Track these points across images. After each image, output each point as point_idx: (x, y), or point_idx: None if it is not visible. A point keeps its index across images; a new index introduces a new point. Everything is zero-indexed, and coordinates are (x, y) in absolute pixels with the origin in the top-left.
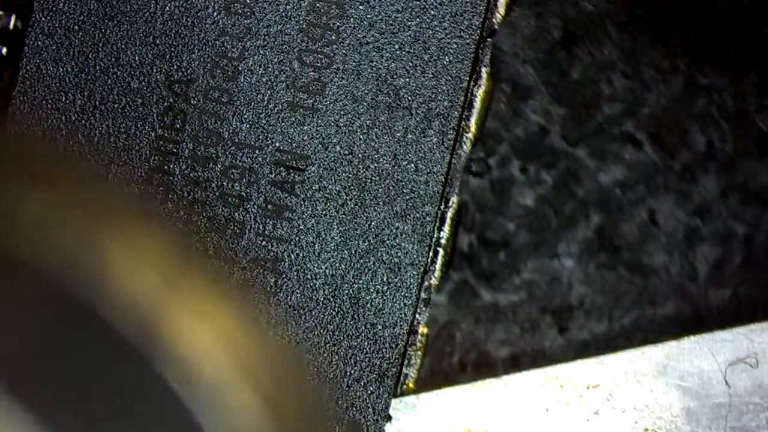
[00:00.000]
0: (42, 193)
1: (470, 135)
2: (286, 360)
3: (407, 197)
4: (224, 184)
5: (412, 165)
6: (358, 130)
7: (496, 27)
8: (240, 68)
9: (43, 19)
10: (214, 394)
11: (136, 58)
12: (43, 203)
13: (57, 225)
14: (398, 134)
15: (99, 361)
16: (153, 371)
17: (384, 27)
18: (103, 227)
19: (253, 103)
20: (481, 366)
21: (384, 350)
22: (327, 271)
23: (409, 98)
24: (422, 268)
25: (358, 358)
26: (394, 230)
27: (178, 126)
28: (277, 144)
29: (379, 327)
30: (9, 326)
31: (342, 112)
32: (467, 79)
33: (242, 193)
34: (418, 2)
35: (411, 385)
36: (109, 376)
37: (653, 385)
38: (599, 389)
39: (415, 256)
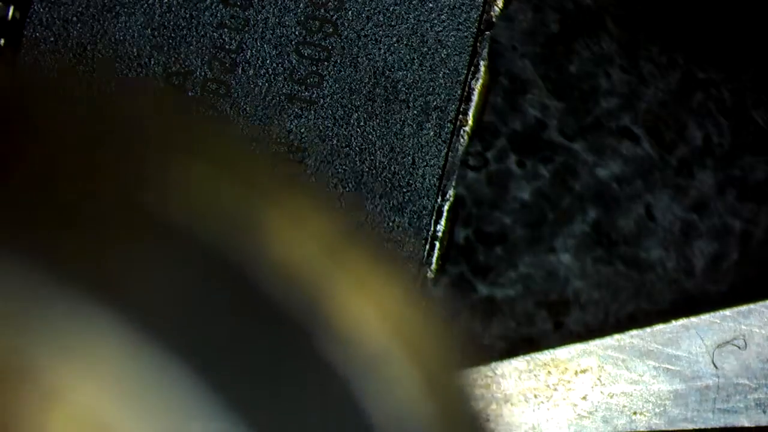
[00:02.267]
0: (196, 160)
1: (467, 128)
2: (445, 336)
3: (404, 190)
4: None
5: (409, 158)
6: (355, 123)
7: (494, 20)
8: (238, 60)
9: (41, 10)
10: (375, 371)
11: (134, 50)
12: (198, 171)
13: (212, 193)
14: (395, 127)
15: (260, 336)
16: (314, 348)
17: (381, 19)
18: (260, 196)
19: (250, 96)
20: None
21: None
22: None
23: (407, 91)
24: (418, 262)
25: None
26: (391, 224)
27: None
28: (274, 136)
29: None
30: (172, 297)
31: (339, 105)
32: (465, 72)
33: None
34: None
35: None
36: (270, 352)
37: (641, 369)
38: (587, 374)
39: (411, 250)
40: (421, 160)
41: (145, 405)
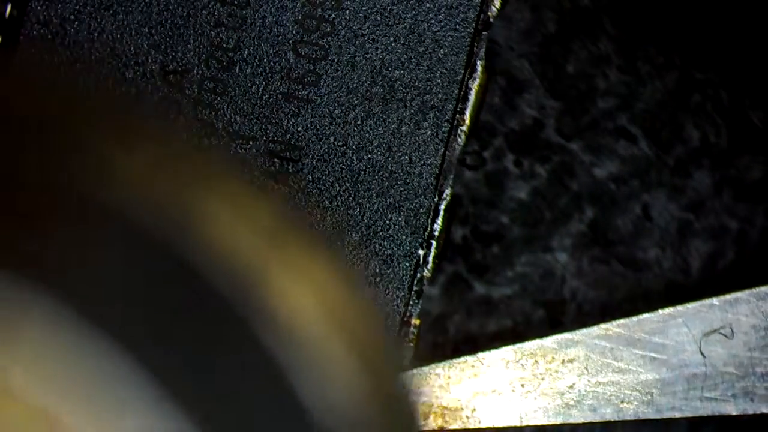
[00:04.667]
0: (137, 144)
1: (464, 128)
2: (377, 315)
3: (401, 189)
4: None
5: (406, 157)
6: (352, 122)
7: (491, 20)
8: (235, 59)
9: (38, 8)
10: (313, 359)
11: (132, 48)
12: (139, 155)
13: (152, 179)
14: (392, 126)
15: (197, 323)
16: (252, 335)
17: (379, 19)
18: (201, 182)
19: (247, 94)
20: None
21: None
22: None
23: (404, 90)
24: (415, 261)
25: None
26: (388, 222)
27: (171, 117)
28: (271, 135)
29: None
30: (111, 282)
31: (336, 104)
32: (462, 71)
33: None
34: None
35: None
36: (207, 339)
37: (628, 358)
38: (574, 363)
39: (408, 248)
40: (418, 159)
41: (86, 397)
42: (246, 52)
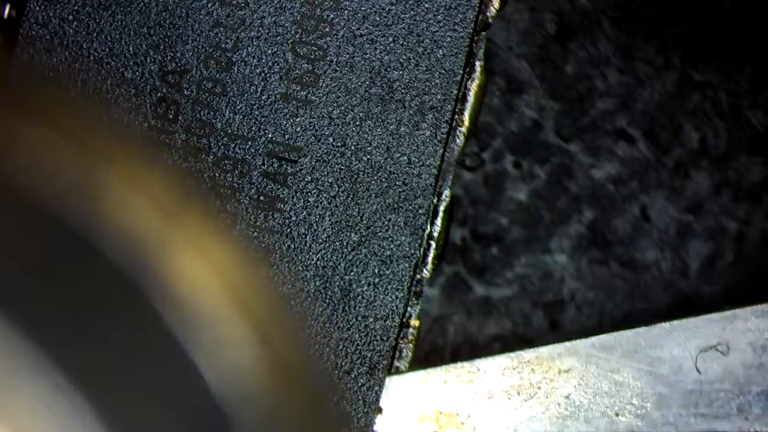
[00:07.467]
0: (42, 125)
1: (463, 129)
2: (283, 297)
3: (400, 190)
4: (216, 175)
5: (405, 158)
6: (351, 123)
7: (490, 21)
8: (234, 59)
9: (37, 8)
10: (208, 329)
11: (130, 48)
12: (43, 136)
13: (55, 157)
14: (391, 127)
15: (95, 294)
16: (148, 306)
17: (378, 19)
18: (102, 160)
19: (246, 95)
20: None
21: (375, 343)
22: (318, 262)
23: (403, 91)
24: (414, 261)
25: (349, 350)
26: (387, 223)
27: (170, 116)
28: (270, 135)
29: (371, 319)
30: (9, 256)
31: (335, 104)
32: (461, 72)
33: (234, 184)
34: None
35: None
36: (104, 310)
37: (624, 371)
38: (570, 373)
39: (407, 249)
40: (417, 160)
41: None
42: (245, 53)
